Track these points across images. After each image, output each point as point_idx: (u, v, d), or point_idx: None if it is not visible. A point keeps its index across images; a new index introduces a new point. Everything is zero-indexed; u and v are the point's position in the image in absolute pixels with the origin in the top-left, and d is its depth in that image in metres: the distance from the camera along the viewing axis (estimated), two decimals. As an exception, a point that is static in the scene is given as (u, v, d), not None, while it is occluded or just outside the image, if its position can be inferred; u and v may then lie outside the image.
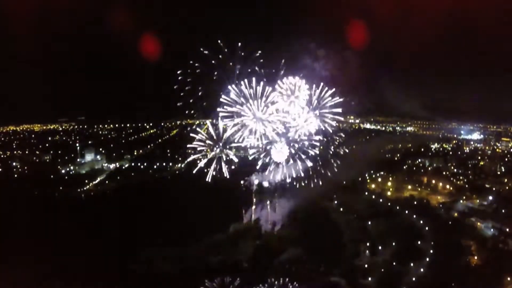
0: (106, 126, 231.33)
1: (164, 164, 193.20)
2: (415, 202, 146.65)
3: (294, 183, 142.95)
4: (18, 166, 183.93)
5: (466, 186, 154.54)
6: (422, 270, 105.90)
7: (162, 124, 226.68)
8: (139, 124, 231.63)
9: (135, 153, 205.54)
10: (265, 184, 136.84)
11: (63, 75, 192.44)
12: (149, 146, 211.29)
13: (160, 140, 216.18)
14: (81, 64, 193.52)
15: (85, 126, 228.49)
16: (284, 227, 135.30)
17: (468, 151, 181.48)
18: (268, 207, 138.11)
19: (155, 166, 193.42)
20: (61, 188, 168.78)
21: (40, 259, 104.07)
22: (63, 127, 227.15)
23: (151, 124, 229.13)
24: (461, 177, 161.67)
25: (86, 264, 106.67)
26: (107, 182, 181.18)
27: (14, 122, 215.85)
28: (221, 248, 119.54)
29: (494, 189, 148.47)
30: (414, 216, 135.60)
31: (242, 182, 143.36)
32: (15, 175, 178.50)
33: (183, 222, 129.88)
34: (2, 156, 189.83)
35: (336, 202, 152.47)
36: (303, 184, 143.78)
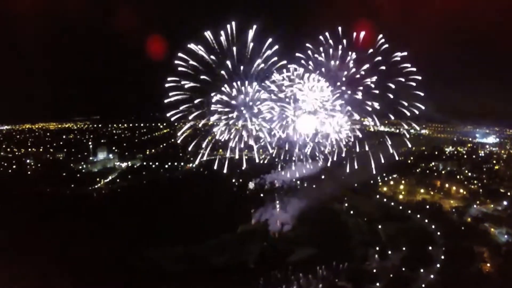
0: (120, 125, 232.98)
1: (175, 163, 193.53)
2: (428, 206, 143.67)
3: (305, 184, 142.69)
4: (32, 164, 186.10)
5: (480, 190, 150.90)
6: (432, 276, 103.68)
7: (176, 124, 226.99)
8: (153, 124, 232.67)
9: (148, 152, 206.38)
10: (277, 183, 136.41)
11: (79, 74, 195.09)
12: (161, 146, 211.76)
13: (173, 140, 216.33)
14: (97, 64, 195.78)
15: (99, 125, 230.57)
16: (292, 229, 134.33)
17: (483, 154, 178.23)
18: (278, 207, 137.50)
19: (166, 166, 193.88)
20: (72, 186, 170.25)
21: (48, 256, 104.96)
22: (78, 125, 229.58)
23: (164, 124, 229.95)
24: (475, 181, 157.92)
25: (94, 262, 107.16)
26: (118, 180, 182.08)
27: (30, 120, 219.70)
28: (228, 248, 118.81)
29: (509, 194, 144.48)
30: (426, 220, 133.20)
31: (253, 181, 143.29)
32: (29, 172, 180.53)
33: (191, 221, 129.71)
34: (16, 153, 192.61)
35: (346, 204, 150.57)
36: (314, 185, 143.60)
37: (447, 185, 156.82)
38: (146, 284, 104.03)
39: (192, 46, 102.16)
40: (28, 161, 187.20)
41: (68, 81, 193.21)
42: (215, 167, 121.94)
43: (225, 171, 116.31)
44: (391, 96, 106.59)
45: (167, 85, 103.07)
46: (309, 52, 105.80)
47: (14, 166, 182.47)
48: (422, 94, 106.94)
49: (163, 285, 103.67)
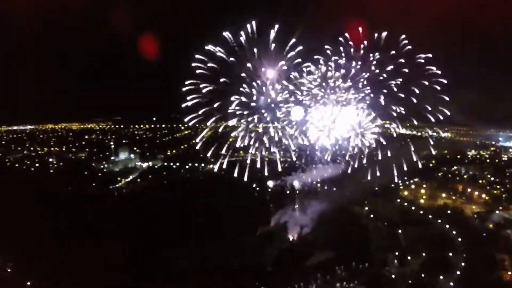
0: (141, 126, 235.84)
1: (196, 164, 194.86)
2: (449, 211, 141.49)
3: (326, 187, 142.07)
4: (54, 162, 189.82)
5: (503, 195, 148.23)
6: (451, 283, 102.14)
7: (197, 125, 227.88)
8: (174, 125, 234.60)
9: (169, 153, 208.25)
10: (298, 185, 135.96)
11: (101, 76, 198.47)
12: (182, 147, 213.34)
13: (194, 141, 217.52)
14: (119, 66, 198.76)
15: (121, 126, 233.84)
16: (312, 232, 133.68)
17: (506, 158, 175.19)
18: (298, 209, 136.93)
19: (187, 166, 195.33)
20: (94, 184, 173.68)
21: (65, 253, 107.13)
22: (100, 126, 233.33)
23: (186, 125, 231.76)
24: (498, 186, 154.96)
25: (111, 259, 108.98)
26: (138, 180, 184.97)
27: (53, 120, 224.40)
28: (246, 250, 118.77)
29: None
30: (447, 226, 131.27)
31: (274, 183, 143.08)
32: (51, 171, 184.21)
33: (210, 222, 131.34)
34: (39, 152, 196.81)
35: (366, 208, 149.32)
36: (334, 188, 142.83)
37: (469, 190, 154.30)
38: (163, 283, 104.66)
39: (210, 47, 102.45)
40: (50, 160, 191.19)
41: (90, 82, 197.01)
42: (236, 169, 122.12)
43: (246, 172, 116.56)
44: (414, 99, 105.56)
45: (184, 88, 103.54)
46: (329, 52, 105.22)
47: (37, 165, 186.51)
48: (446, 97, 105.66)
49: (180, 285, 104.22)
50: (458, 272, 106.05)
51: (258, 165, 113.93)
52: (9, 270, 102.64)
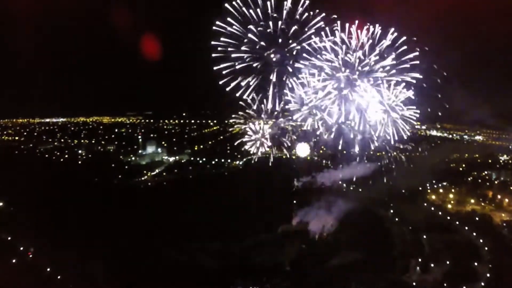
0: (171, 121, 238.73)
1: (222, 160, 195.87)
2: (477, 218, 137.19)
3: (352, 186, 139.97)
4: (83, 154, 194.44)
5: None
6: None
7: (226, 121, 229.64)
8: (203, 121, 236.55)
9: (196, 148, 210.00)
10: (326, 183, 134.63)
11: (133, 72, 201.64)
12: (210, 142, 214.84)
13: (221, 137, 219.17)
14: (151, 62, 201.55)
15: (151, 121, 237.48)
16: (334, 233, 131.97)
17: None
18: (321, 210, 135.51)
19: (213, 162, 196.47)
20: (120, 176, 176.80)
21: (88, 243, 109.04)
22: (130, 120, 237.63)
23: (215, 121, 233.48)
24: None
25: (132, 251, 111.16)
26: (164, 174, 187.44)
27: (84, 114, 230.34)
28: (266, 248, 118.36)
29: None
30: (474, 233, 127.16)
31: (303, 179, 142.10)
32: (79, 162, 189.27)
33: (232, 218, 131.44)
34: (70, 144, 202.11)
35: (392, 211, 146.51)
36: (360, 189, 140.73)
37: (499, 197, 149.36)
38: (182, 276, 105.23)
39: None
40: (80, 151, 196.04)
41: (124, 78, 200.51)
42: (264, 165, 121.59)
43: (273, 169, 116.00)
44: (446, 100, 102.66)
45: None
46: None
47: (66, 156, 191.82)
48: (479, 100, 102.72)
49: (198, 278, 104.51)
50: (483, 283, 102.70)
51: (288, 162, 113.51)
52: (30, 256, 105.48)
